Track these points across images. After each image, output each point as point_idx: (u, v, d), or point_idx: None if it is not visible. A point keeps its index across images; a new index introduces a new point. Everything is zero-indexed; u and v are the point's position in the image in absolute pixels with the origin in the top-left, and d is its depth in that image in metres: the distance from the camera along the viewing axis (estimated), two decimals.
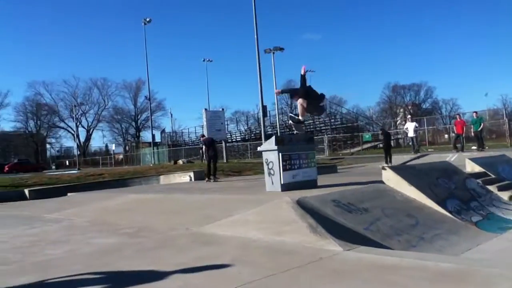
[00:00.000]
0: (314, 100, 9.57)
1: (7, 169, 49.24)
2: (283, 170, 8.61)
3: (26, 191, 17.10)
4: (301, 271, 3.98)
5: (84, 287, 3.89)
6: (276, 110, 42.72)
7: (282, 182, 8.60)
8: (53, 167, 67.85)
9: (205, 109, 25.63)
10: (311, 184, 9.00)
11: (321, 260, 4.33)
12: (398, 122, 64.38)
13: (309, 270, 4.01)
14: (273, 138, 8.96)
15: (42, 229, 7.96)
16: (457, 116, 24.35)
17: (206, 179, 16.11)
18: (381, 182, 9.11)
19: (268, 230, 5.79)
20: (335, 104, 53.34)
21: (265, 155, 9.01)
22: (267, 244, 5.17)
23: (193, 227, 6.67)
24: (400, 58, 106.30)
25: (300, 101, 9.25)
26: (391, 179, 8.85)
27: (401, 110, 75.96)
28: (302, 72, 9.58)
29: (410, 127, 21.62)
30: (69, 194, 15.01)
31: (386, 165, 19.51)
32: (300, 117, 9.62)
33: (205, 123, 24.57)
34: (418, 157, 19.10)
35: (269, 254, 4.66)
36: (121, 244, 5.94)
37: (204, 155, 17.88)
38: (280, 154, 8.57)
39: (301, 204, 6.68)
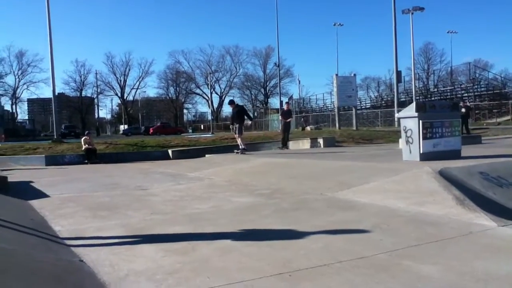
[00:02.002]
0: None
1: (151, 131, 54.87)
2: (423, 139, 8.11)
3: (170, 151, 18.82)
4: (450, 243, 3.73)
5: (233, 239, 4.14)
6: (413, 75, 40.16)
7: (421, 151, 8.11)
8: (190, 130, 73.37)
9: (336, 75, 25.13)
10: (454, 155, 8.33)
11: (471, 234, 4.01)
12: None
13: (458, 243, 3.74)
14: (413, 104, 8.43)
15: (187, 185, 8.68)
16: None
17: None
18: None
19: (408, 199, 5.54)
20: (479, 69, 48.12)
21: (403, 122, 8.56)
22: (409, 213, 4.95)
23: (327, 192, 6.68)
24: None
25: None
26: None
27: None
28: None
29: None
30: (207, 155, 16.09)
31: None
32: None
33: (335, 89, 24.15)
34: None
35: (411, 224, 4.46)
36: (259, 203, 6.20)
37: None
38: (420, 121, 8.05)
39: (444, 175, 6.24)
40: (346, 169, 8.46)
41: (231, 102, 15.68)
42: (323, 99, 59.20)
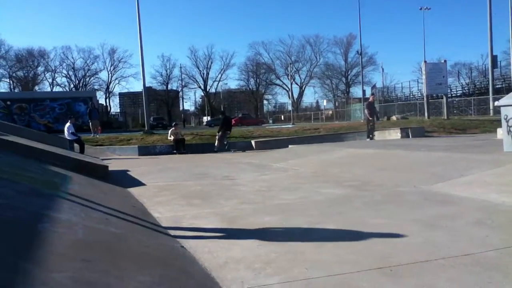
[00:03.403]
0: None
1: (233, 122, 56.01)
2: None
3: (253, 142, 19.13)
4: None
5: (326, 231, 4.10)
6: (511, 59, 36.99)
7: None
8: (270, 121, 73.93)
9: (425, 61, 23.90)
10: None
11: None
12: None
13: None
14: None
15: (273, 176, 8.75)
16: None
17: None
18: None
19: None
20: None
21: (504, 111, 7.94)
22: None
23: (421, 185, 6.39)
24: None
25: None
26: None
27: None
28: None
29: None
30: (289, 146, 16.13)
31: None
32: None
33: (424, 77, 22.94)
34: None
35: None
36: (348, 195, 6.08)
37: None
38: None
39: None
40: (440, 160, 8.03)
41: (223, 112, 22.51)
42: (409, 87, 56.65)
